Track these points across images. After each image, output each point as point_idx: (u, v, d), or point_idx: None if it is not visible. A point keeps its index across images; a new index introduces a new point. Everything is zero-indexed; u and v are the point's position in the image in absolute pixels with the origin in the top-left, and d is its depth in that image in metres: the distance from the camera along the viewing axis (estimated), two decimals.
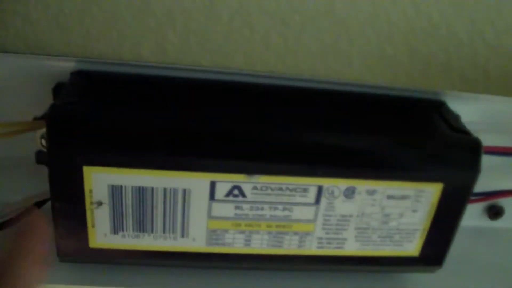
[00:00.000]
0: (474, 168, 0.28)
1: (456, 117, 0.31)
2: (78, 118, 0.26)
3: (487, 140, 0.29)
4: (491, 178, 0.36)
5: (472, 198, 0.34)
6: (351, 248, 0.30)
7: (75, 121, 0.25)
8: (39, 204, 0.30)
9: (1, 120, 0.29)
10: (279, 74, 0.30)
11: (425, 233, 0.30)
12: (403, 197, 0.28)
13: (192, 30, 0.28)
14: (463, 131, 0.29)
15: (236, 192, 0.27)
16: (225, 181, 0.27)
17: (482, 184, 0.35)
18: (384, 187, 0.28)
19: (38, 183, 0.28)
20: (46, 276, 0.26)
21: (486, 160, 0.34)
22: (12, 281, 0.25)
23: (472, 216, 0.38)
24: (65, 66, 0.29)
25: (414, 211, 0.29)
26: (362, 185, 0.28)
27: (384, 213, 0.29)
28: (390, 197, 0.28)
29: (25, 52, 0.28)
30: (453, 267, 0.34)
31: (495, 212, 0.38)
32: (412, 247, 0.30)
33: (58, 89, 0.28)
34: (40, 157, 0.27)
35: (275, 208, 0.28)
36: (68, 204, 0.27)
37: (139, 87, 0.29)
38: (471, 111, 0.32)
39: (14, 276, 0.25)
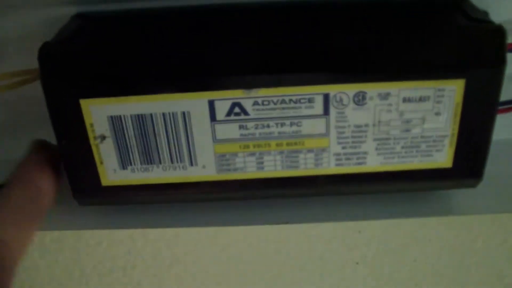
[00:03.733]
0: (498, 59, 0.25)
1: (481, 12, 0.28)
2: (69, 52, 0.25)
3: None
4: None
5: None
6: (374, 162, 0.28)
7: (66, 55, 0.25)
8: None
9: None
10: None
11: (455, 139, 0.27)
12: (422, 99, 0.26)
13: None
14: (483, 21, 0.26)
15: (237, 110, 0.26)
16: (223, 98, 0.25)
17: None
18: (398, 89, 0.26)
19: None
20: (58, 184, 0.27)
21: None
22: (25, 184, 0.25)
23: None
24: (68, 12, 0.29)
25: (437, 114, 0.26)
26: (372, 89, 0.26)
27: (403, 119, 0.27)
28: (406, 99, 0.26)
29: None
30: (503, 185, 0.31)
31: None
32: (443, 157, 0.28)
33: None
34: None
35: (282, 124, 0.26)
36: (73, 142, 0.27)
37: (132, 22, 0.28)
38: None
39: (28, 179, 0.25)
